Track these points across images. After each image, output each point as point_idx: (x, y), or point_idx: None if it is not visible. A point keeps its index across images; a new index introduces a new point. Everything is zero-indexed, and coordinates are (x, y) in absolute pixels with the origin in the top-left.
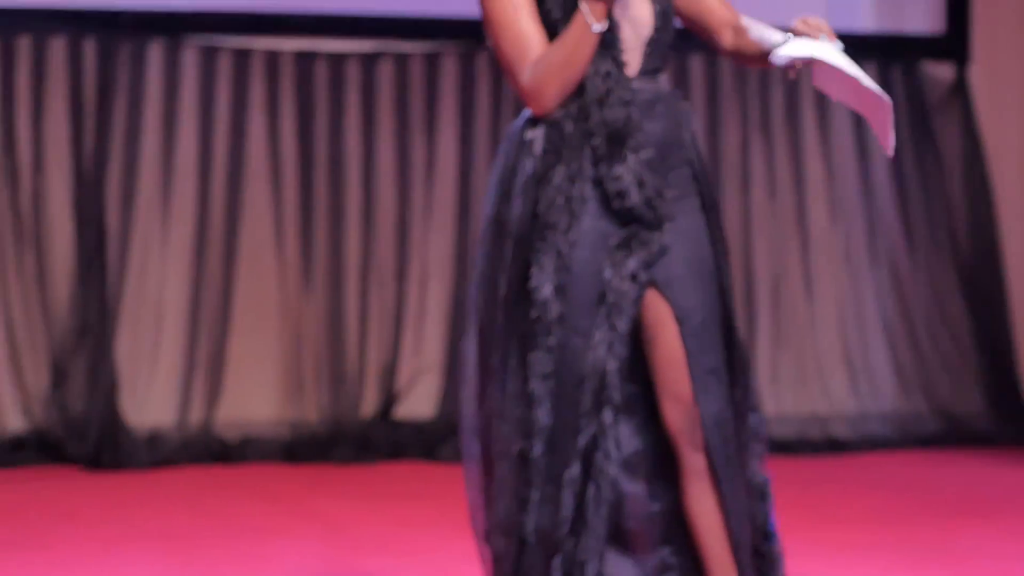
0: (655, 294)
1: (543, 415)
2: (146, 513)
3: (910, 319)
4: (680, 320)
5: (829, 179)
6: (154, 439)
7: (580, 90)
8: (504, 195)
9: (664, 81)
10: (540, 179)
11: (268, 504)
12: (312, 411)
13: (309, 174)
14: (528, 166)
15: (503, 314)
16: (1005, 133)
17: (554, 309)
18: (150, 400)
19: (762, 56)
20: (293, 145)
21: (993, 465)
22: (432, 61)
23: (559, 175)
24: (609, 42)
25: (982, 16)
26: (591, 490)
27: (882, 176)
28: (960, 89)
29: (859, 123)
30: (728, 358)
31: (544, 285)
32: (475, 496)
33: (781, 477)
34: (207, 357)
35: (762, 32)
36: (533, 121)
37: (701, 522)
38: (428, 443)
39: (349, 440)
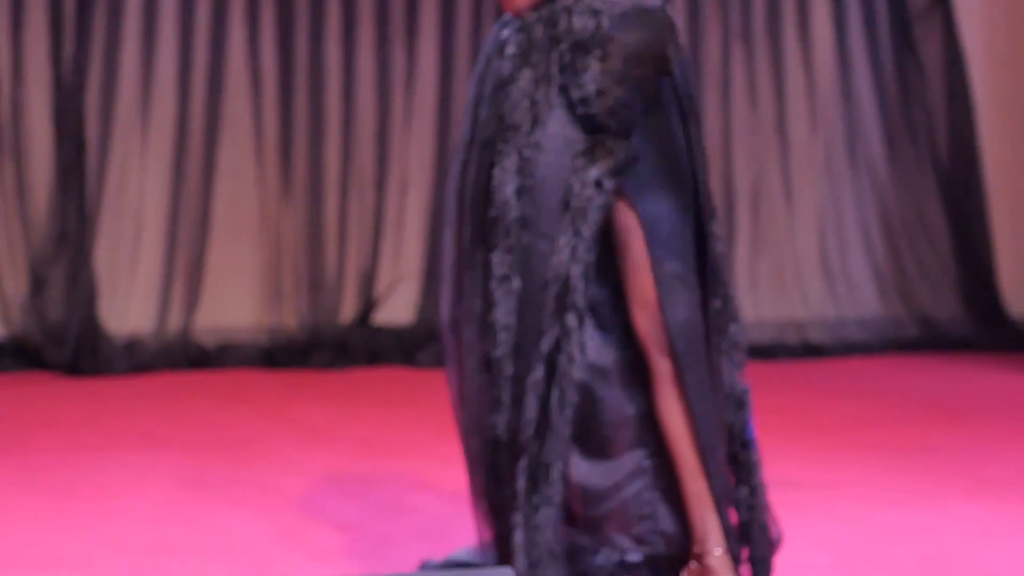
0: (625, 202)
1: (502, 316)
2: (125, 419)
3: (889, 226)
4: (647, 227)
5: (810, 88)
6: (132, 346)
7: None
8: (478, 96)
9: None
10: (507, 82)
11: (247, 409)
12: (291, 317)
13: (289, 83)
14: (498, 68)
15: (471, 215)
16: (986, 42)
17: (514, 210)
18: (129, 307)
19: None
20: (273, 55)
21: (971, 370)
22: None
23: (525, 78)
24: None
25: None
26: (555, 394)
27: (863, 85)
28: None
29: (840, 32)
30: (703, 267)
31: (505, 186)
32: (454, 395)
33: (759, 382)
34: (186, 265)
35: None
36: (508, 23)
37: (670, 427)
38: (406, 349)
39: (327, 346)
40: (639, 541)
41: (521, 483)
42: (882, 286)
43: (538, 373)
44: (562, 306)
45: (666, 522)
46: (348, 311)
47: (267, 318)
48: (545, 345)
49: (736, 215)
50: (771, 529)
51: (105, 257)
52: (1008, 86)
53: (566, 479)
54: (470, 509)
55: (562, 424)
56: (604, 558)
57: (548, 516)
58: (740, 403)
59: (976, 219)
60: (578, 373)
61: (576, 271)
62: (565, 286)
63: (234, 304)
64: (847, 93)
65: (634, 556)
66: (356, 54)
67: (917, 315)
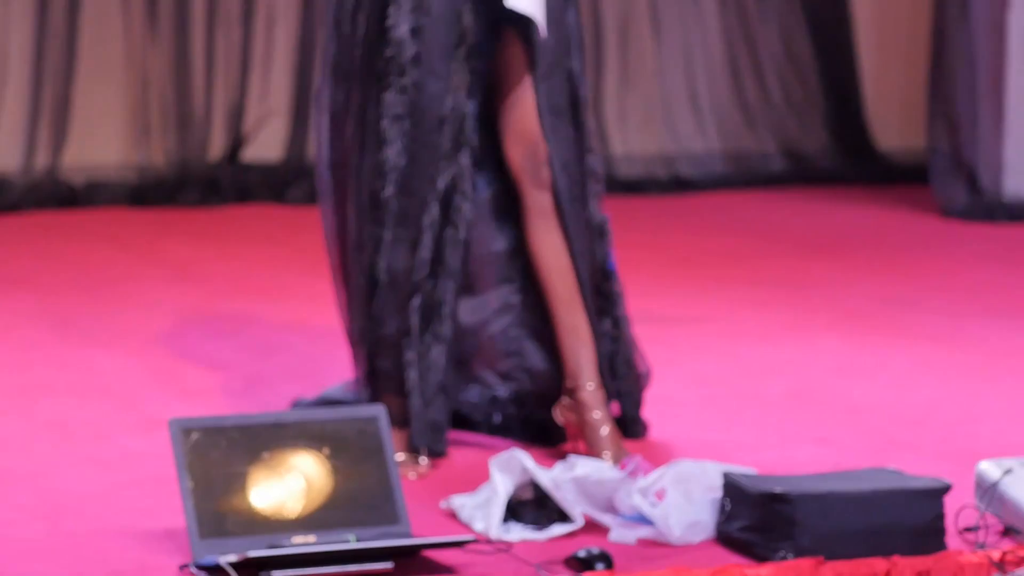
0: (510, 35)
1: (394, 155)
2: None
3: (757, 59)
4: (533, 61)
5: None
6: (0, 186)
7: None
8: None
9: None
10: None
11: (116, 249)
12: (159, 155)
13: None
14: None
15: (361, 53)
16: None
17: (410, 49)
18: None
19: None
20: None
21: (838, 203)
22: None
23: None
24: None
25: None
26: (449, 233)
27: None
28: None
29: None
30: (572, 99)
31: (401, 24)
32: (330, 234)
33: (629, 217)
34: (52, 103)
35: None
36: None
37: (545, 261)
38: (275, 186)
39: (196, 183)
40: (505, 377)
41: (414, 322)
42: (750, 120)
43: (434, 212)
44: (458, 144)
45: (533, 358)
46: (216, 148)
47: (135, 156)
48: (441, 184)
49: (605, 49)
50: (638, 364)
51: None
52: None
53: (454, 316)
54: (343, 347)
55: (455, 262)
56: (475, 394)
57: (440, 353)
58: (601, 232)
59: (843, 51)
60: (471, 212)
61: (471, 109)
62: (461, 125)
63: (101, 142)
64: None
65: (502, 392)
66: None
67: (785, 149)
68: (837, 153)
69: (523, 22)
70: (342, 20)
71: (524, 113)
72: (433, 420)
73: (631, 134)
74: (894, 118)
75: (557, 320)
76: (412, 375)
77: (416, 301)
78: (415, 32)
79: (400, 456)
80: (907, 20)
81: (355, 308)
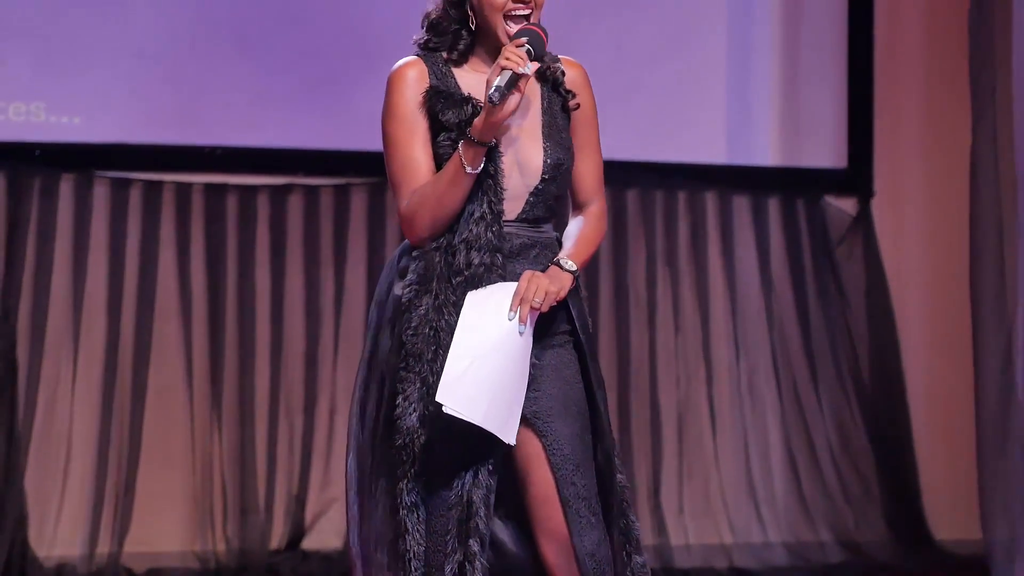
0: (525, 430)
1: (413, 544)
2: None
3: (813, 450)
4: (549, 451)
5: (733, 312)
6: (62, 572)
7: (454, 226)
8: (379, 322)
9: (549, 229)
10: (407, 309)
11: None
12: (220, 543)
13: (218, 307)
14: (398, 294)
15: (375, 442)
16: (907, 266)
17: (420, 438)
18: (58, 533)
19: None
20: (202, 278)
21: None
22: (341, 192)
23: (425, 305)
24: (489, 187)
25: (884, 151)
26: None
27: (786, 309)
28: (863, 222)
29: (763, 256)
30: (605, 494)
31: (409, 414)
32: None
33: None
34: (116, 490)
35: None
36: (409, 249)
37: None
38: (337, 574)
39: (257, 572)
40: None
41: None
42: (806, 510)
43: None
44: (465, 531)
45: None
46: (278, 536)
47: (197, 544)
48: (448, 570)
49: (662, 439)
50: None
51: (35, 482)
52: (929, 310)
53: None
54: None
55: None
56: None
57: None
58: None
59: (899, 442)
60: None
61: (478, 495)
62: (467, 511)
63: (163, 529)
64: (770, 316)
65: None
66: (285, 278)
67: (842, 539)
68: (894, 543)
69: (532, 414)
70: (361, 408)
71: (548, 510)
72: None
73: (689, 524)
74: (950, 508)
75: None
76: None
77: None
78: (424, 420)
79: None
80: (963, 410)
81: None
